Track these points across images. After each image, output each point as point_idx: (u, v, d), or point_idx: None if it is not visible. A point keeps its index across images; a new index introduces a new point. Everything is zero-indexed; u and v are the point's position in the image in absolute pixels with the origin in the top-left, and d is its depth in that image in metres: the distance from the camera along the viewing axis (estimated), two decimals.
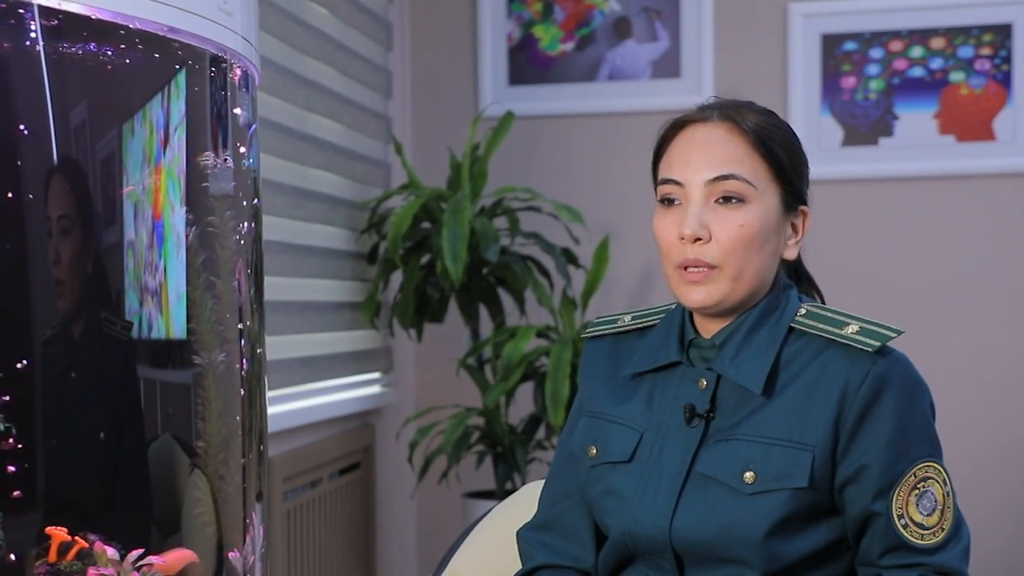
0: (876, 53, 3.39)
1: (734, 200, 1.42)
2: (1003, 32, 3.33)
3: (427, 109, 3.62)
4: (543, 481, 1.64)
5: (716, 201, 1.42)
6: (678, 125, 1.47)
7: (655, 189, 1.48)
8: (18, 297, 1.25)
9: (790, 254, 1.48)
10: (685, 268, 1.42)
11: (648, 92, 3.47)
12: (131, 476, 1.37)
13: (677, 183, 1.44)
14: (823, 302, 1.56)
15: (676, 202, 1.44)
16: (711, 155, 1.42)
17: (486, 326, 3.33)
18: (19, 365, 1.25)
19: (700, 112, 1.46)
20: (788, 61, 3.40)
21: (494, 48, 3.56)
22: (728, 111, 1.45)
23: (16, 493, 1.23)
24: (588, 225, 3.21)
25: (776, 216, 1.44)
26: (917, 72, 3.38)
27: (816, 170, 3.47)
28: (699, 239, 1.41)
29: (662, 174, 1.46)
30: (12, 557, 1.24)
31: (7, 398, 1.24)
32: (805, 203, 1.49)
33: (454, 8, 3.60)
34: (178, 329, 1.42)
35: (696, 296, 1.43)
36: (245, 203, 1.54)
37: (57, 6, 1.26)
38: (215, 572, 1.46)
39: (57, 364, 1.29)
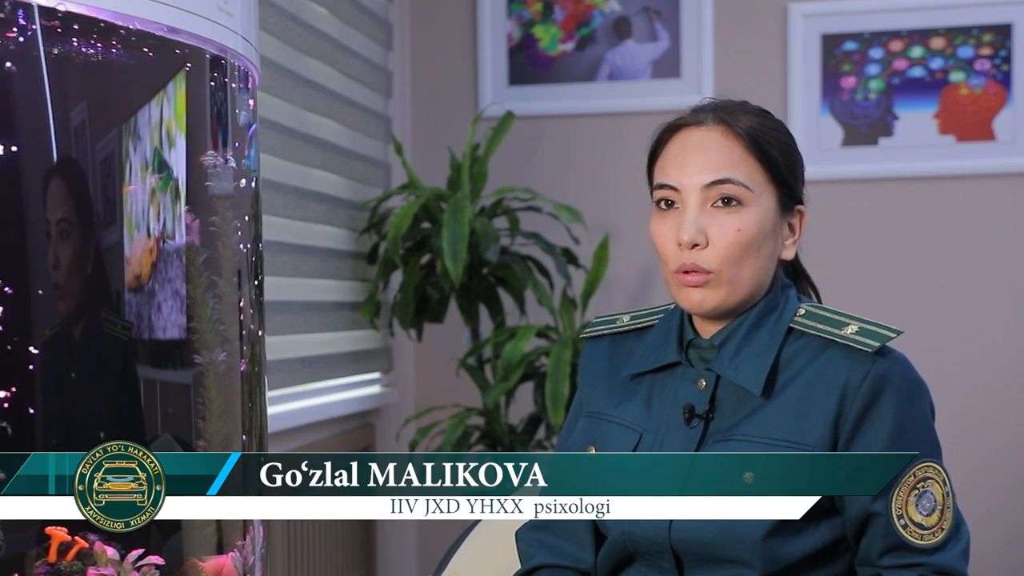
0: (876, 53, 3.39)
1: (731, 203, 1.42)
2: (1003, 32, 3.33)
3: (427, 109, 3.62)
4: None
5: (713, 205, 1.42)
6: (672, 129, 1.47)
7: (651, 193, 1.48)
8: (18, 297, 1.25)
9: (788, 254, 1.48)
10: (683, 273, 1.43)
11: (648, 92, 3.47)
12: None
13: (673, 188, 1.44)
14: (819, 300, 1.56)
15: (673, 206, 1.44)
16: (707, 159, 1.42)
17: (486, 326, 3.33)
18: (19, 365, 1.25)
19: (694, 115, 1.46)
20: (788, 61, 3.40)
21: (494, 48, 3.56)
22: (722, 114, 1.44)
23: None
24: (588, 225, 3.21)
25: (773, 218, 1.44)
26: (917, 72, 3.38)
27: (816, 170, 3.48)
28: (696, 245, 1.41)
29: (658, 179, 1.47)
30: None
31: (7, 398, 1.24)
32: (802, 202, 1.49)
33: (454, 8, 3.60)
34: (178, 329, 1.42)
35: (694, 299, 1.43)
36: (245, 203, 1.54)
37: (57, 6, 1.26)
38: None
39: (57, 364, 1.29)
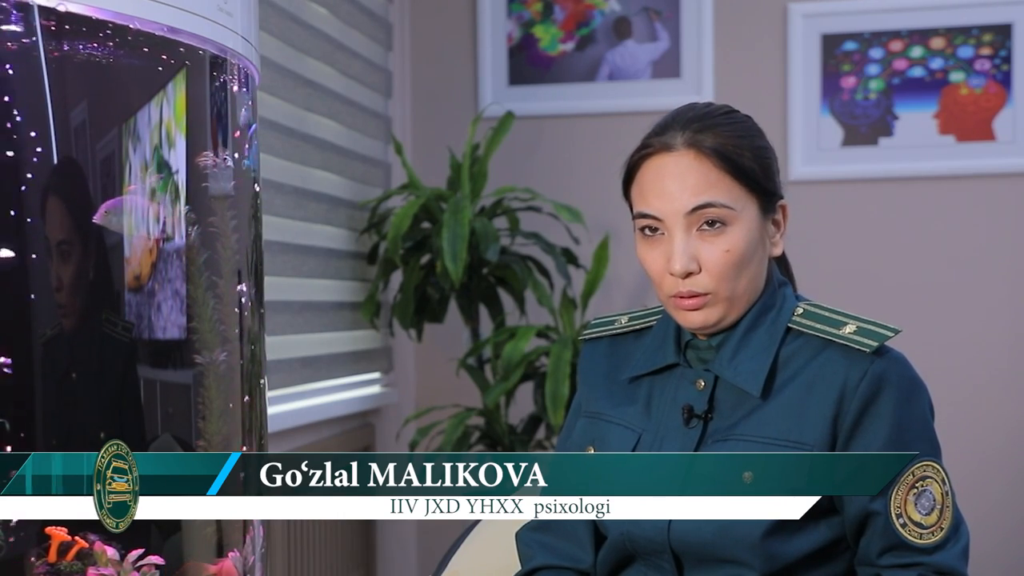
0: (876, 53, 3.39)
1: (716, 225, 1.41)
2: (1003, 32, 3.33)
3: (427, 109, 3.62)
4: None
5: (698, 229, 1.42)
6: (644, 155, 1.45)
7: (632, 219, 1.47)
8: (19, 297, 1.26)
9: (777, 251, 1.48)
10: (679, 297, 1.43)
11: (648, 92, 3.47)
12: None
13: (656, 218, 1.43)
14: (795, 287, 1.55)
15: (657, 232, 1.44)
16: (684, 185, 1.41)
17: (486, 326, 3.33)
18: (19, 365, 1.25)
19: (661, 139, 1.43)
20: (788, 61, 3.41)
21: (494, 48, 3.56)
22: (689, 135, 1.42)
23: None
24: (588, 225, 3.21)
25: (758, 227, 1.44)
26: (917, 72, 3.38)
27: (816, 170, 3.49)
28: (690, 273, 1.41)
29: (639, 207, 1.45)
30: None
31: (7, 397, 1.24)
32: (782, 197, 1.48)
33: (454, 8, 3.60)
34: (178, 329, 1.42)
35: (695, 321, 1.43)
36: (245, 203, 1.54)
37: (57, 6, 1.26)
38: None
39: (57, 364, 1.29)
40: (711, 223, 1.41)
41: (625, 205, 1.52)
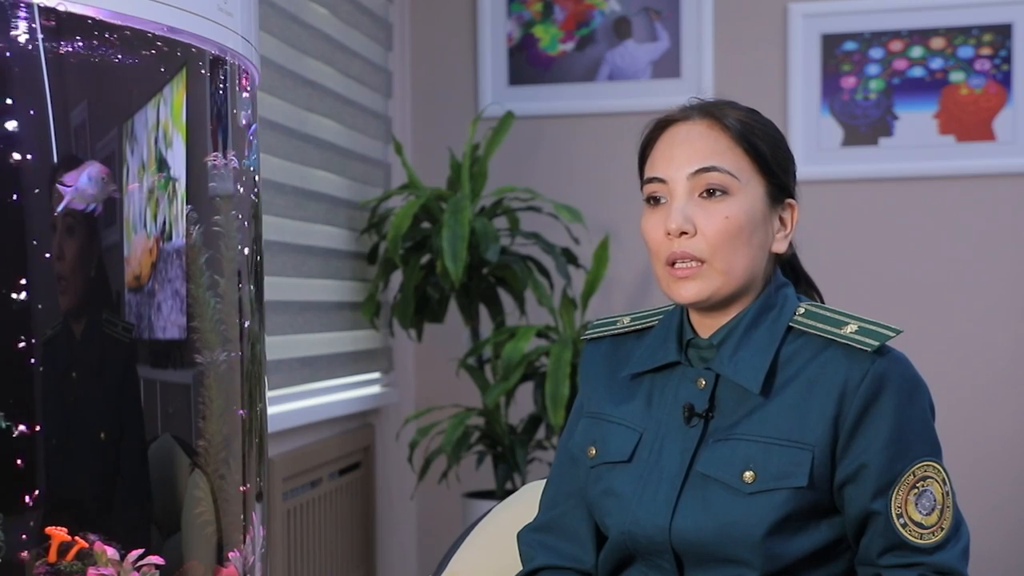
0: (876, 53, 3.39)
1: (718, 192, 1.42)
2: (1003, 32, 3.33)
3: (427, 109, 3.62)
4: (543, 481, 1.64)
5: (700, 195, 1.43)
6: (660, 126, 1.48)
7: (642, 190, 1.49)
8: (20, 297, 1.26)
9: (779, 247, 1.48)
10: (673, 264, 1.43)
11: (648, 92, 3.47)
12: (131, 476, 1.37)
13: (661, 180, 1.44)
14: (823, 302, 1.56)
15: (661, 200, 1.45)
16: (693, 150, 1.43)
17: (486, 326, 3.33)
18: (20, 364, 1.25)
19: (681, 112, 1.47)
20: (788, 61, 3.41)
21: (494, 48, 3.56)
22: (709, 108, 1.46)
23: (16, 493, 1.23)
24: (588, 225, 3.21)
25: (762, 208, 1.44)
26: (917, 72, 3.38)
27: (816, 170, 3.49)
28: (685, 232, 1.41)
29: (647, 173, 1.48)
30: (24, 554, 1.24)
31: (8, 397, 1.24)
32: (792, 196, 1.49)
33: (454, 8, 3.60)
34: (178, 329, 1.42)
35: (687, 291, 1.43)
36: (245, 203, 1.54)
37: (57, 6, 1.26)
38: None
39: (58, 363, 1.29)
40: (713, 191, 1.42)
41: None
